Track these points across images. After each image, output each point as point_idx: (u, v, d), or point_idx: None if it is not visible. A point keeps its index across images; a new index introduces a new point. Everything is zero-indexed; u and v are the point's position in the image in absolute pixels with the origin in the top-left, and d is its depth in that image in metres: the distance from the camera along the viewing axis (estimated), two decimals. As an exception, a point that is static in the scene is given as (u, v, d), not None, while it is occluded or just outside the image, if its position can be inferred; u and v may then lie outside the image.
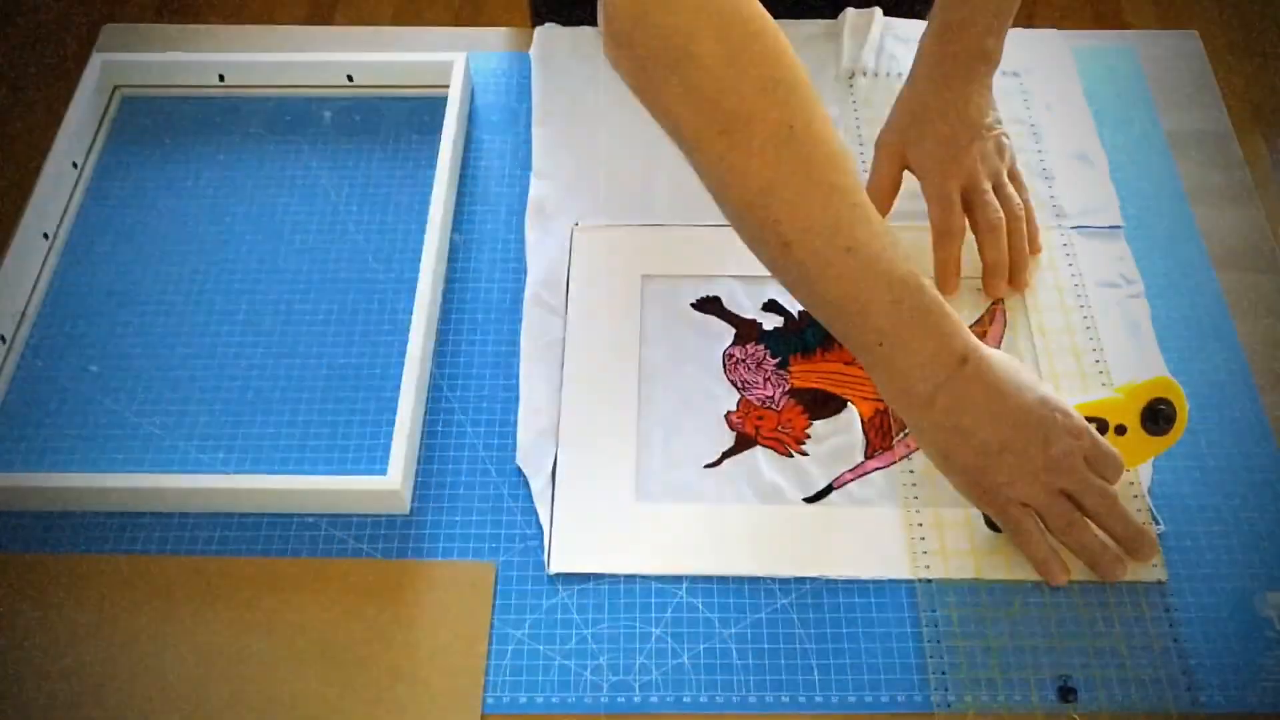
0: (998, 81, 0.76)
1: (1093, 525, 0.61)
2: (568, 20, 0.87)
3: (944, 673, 0.60)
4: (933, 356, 0.57)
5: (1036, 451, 0.58)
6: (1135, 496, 0.65)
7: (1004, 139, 0.74)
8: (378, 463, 0.67)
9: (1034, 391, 0.59)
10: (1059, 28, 0.88)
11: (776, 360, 0.71)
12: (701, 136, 0.55)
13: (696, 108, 0.55)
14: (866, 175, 0.77)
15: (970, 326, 0.71)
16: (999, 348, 0.71)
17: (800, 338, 0.72)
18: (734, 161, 0.55)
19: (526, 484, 0.66)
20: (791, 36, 0.86)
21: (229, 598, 0.63)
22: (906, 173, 0.75)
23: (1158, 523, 0.65)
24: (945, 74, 0.73)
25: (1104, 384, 0.70)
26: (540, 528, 0.65)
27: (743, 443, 0.68)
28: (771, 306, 0.74)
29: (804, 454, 0.68)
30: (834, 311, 0.57)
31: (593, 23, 0.86)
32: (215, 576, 0.64)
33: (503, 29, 0.91)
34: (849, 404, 0.70)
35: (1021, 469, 0.58)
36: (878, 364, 0.58)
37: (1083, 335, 0.72)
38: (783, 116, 0.54)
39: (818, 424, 0.69)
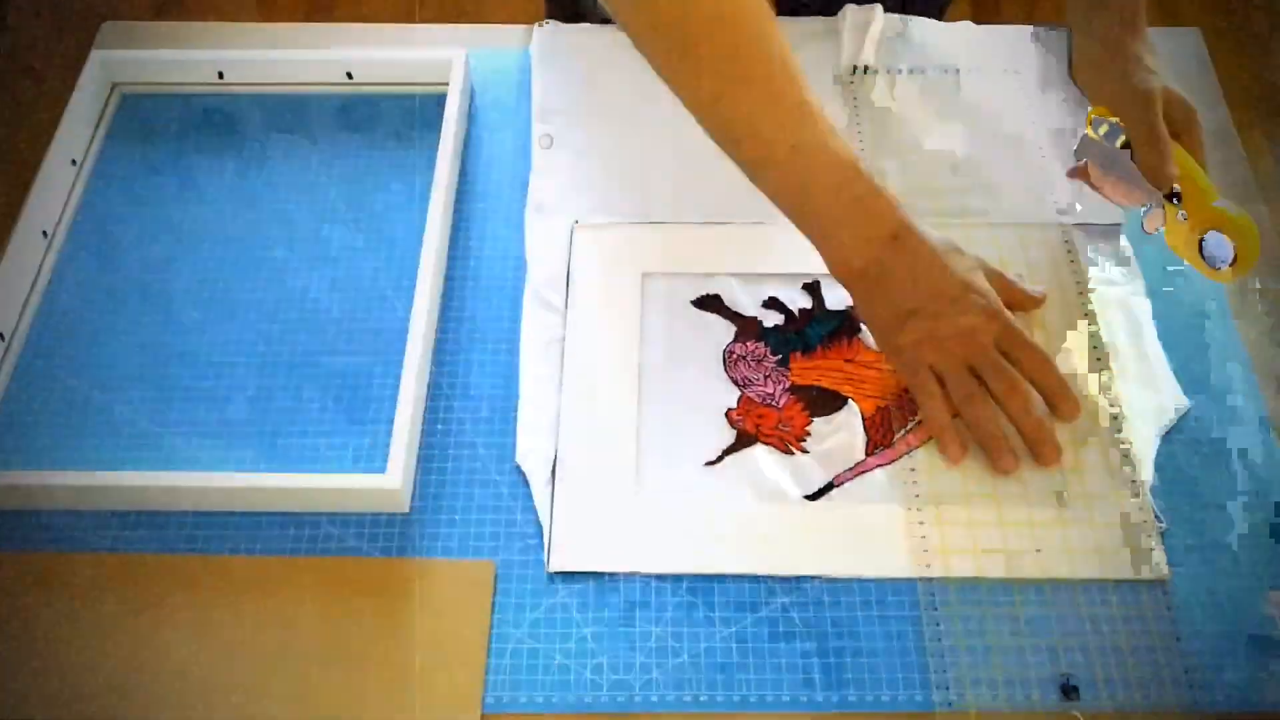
0: (998, 79, 0.76)
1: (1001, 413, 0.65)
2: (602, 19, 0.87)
3: (945, 671, 0.60)
4: (866, 235, 0.65)
5: (945, 320, 0.65)
6: (1137, 495, 0.65)
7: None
8: (377, 461, 0.67)
9: (959, 271, 0.65)
10: (1060, 24, 0.88)
11: (777, 357, 0.71)
12: (661, 58, 0.66)
13: (657, 35, 0.65)
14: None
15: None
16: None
17: (801, 335, 0.72)
18: (687, 78, 0.65)
19: (526, 482, 0.66)
20: (791, 34, 0.86)
21: (227, 597, 0.63)
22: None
23: (1160, 520, 0.64)
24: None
25: (1106, 383, 0.69)
26: (540, 526, 0.65)
27: (743, 440, 0.68)
28: (772, 304, 0.73)
29: (805, 451, 0.67)
30: (780, 198, 0.66)
31: (595, 19, 0.86)
32: (214, 576, 0.63)
33: (503, 26, 0.90)
34: (850, 401, 0.69)
35: (930, 334, 0.65)
36: (817, 241, 0.66)
37: (1083, 330, 0.72)
38: (729, 40, 0.64)
39: (818, 421, 0.69)
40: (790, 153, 0.64)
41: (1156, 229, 0.72)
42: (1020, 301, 0.70)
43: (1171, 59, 0.86)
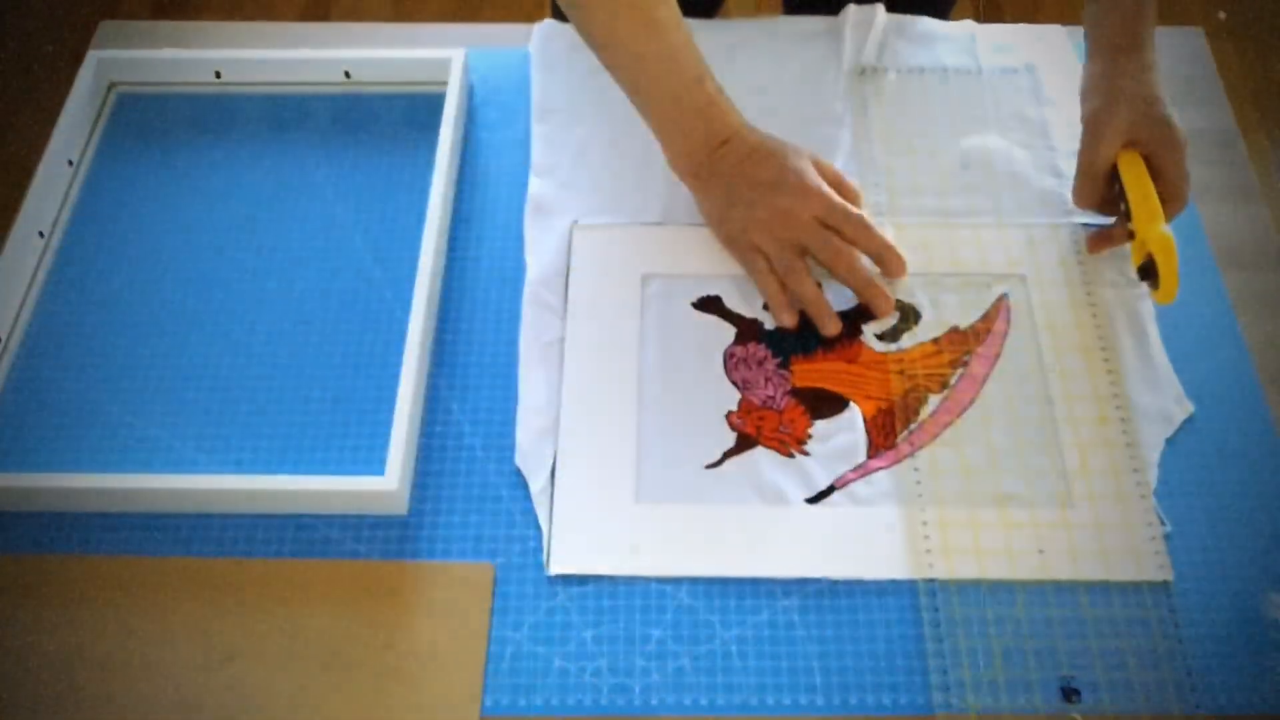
0: (1001, 78, 0.75)
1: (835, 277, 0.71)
2: None
3: (946, 674, 0.60)
4: (703, 139, 0.73)
5: (764, 205, 0.70)
6: (1142, 497, 0.65)
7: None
8: (375, 463, 0.66)
9: (780, 162, 0.71)
10: (1065, 23, 0.87)
11: (778, 360, 0.71)
12: None
13: None
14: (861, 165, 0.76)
15: (974, 322, 0.72)
16: (1003, 343, 0.71)
17: (801, 337, 0.72)
18: (580, 15, 0.73)
19: (525, 485, 0.66)
20: (793, 33, 0.87)
21: (226, 599, 0.62)
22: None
23: (1164, 524, 0.64)
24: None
25: (1112, 385, 0.69)
26: (539, 529, 0.64)
27: (744, 443, 0.67)
28: (773, 305, 0.73)
29: (806, 454, 0.67)
30: (632, 101, 0.74)
31: None
32: (212, 578, 0.63)
33: (502, 25, 0.90)
34: (851, 403, 0.69)
35: (752, 219, 0.71)
36: (661, 141, 0.74)
37: (1089, 332, 0.71)
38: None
39: (819, 423, 0.68)
40: (636, 61, 0.72)
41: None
42: (846, 193, 0.73)
43: (1174, 58, 0.86)
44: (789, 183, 0.70)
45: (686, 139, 0.73)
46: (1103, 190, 0.73)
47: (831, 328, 0.71)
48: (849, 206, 0.70)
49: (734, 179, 0.72)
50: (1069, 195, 0.76)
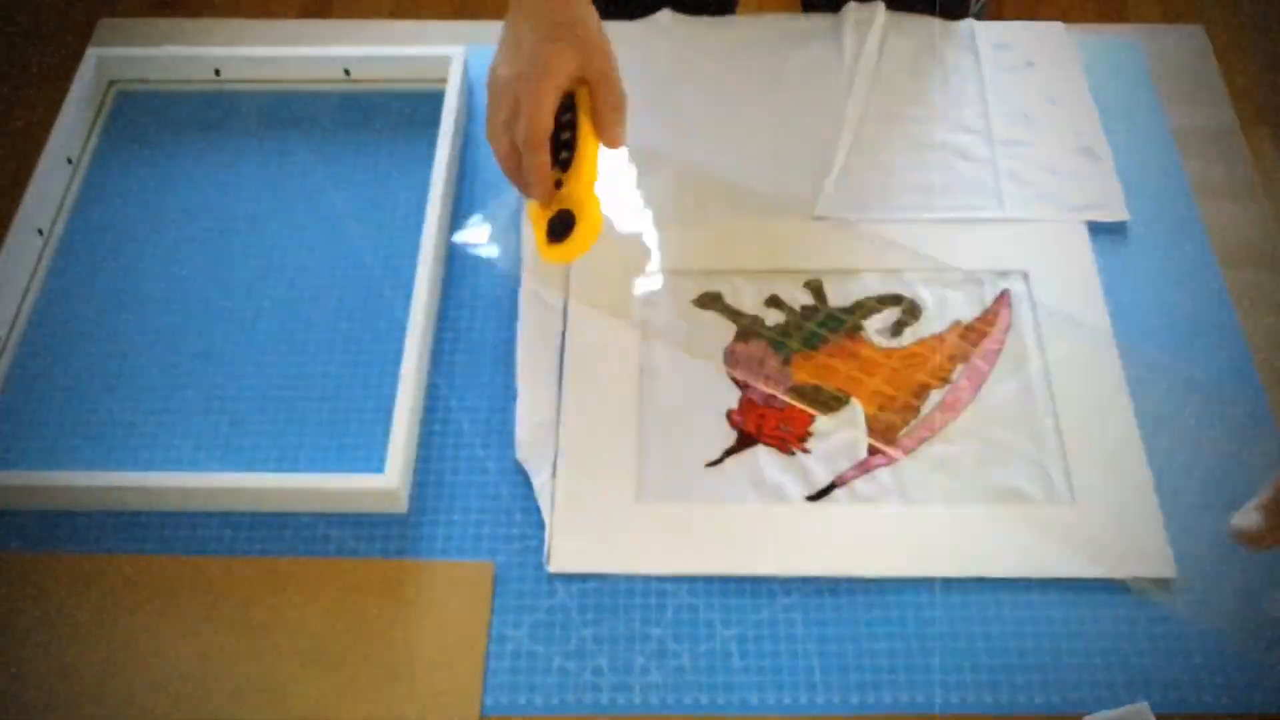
0: (1005, 75, 0.75)
1: None
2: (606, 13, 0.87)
3: (948, 673, 0.60)
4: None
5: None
6: (1144, 494, 0.65)
7: None
8: (375, 461, 0.66)
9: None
10: (1064, 21, 0.87)
11: (779, 357, 0.71)
12: None
13: None
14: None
15: (977, 318, 0.72)
16: (1005, 339, 0.71)
17: (802, 334, 0.72)
18: None
19: (525, 483, 0.66)
20: (793, 31, 0.86)
21: (226, 597, 0.62)
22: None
23: (1165, 518, 0.64)
24: None
25: (1114, 378, 0.69)
26: (539, 527, 0.64)
27: (745, 441, 0.67)
28: (774, 302, 0.73)
29: (806, 451, 0.67)
30: None
31: (625, 16, 0.85)
32: (212, 576, 0.63)
33: (502, 22, 0.89)
34: (852, 400, 0.69)
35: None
36: None
37: (1091, 327, 0.71)
38: None
39: (820, 421, 0.68)
40: None
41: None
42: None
43: (1174, 56, 0.86)
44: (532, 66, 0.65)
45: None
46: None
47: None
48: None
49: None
50: (1067, 194, 0.77)
